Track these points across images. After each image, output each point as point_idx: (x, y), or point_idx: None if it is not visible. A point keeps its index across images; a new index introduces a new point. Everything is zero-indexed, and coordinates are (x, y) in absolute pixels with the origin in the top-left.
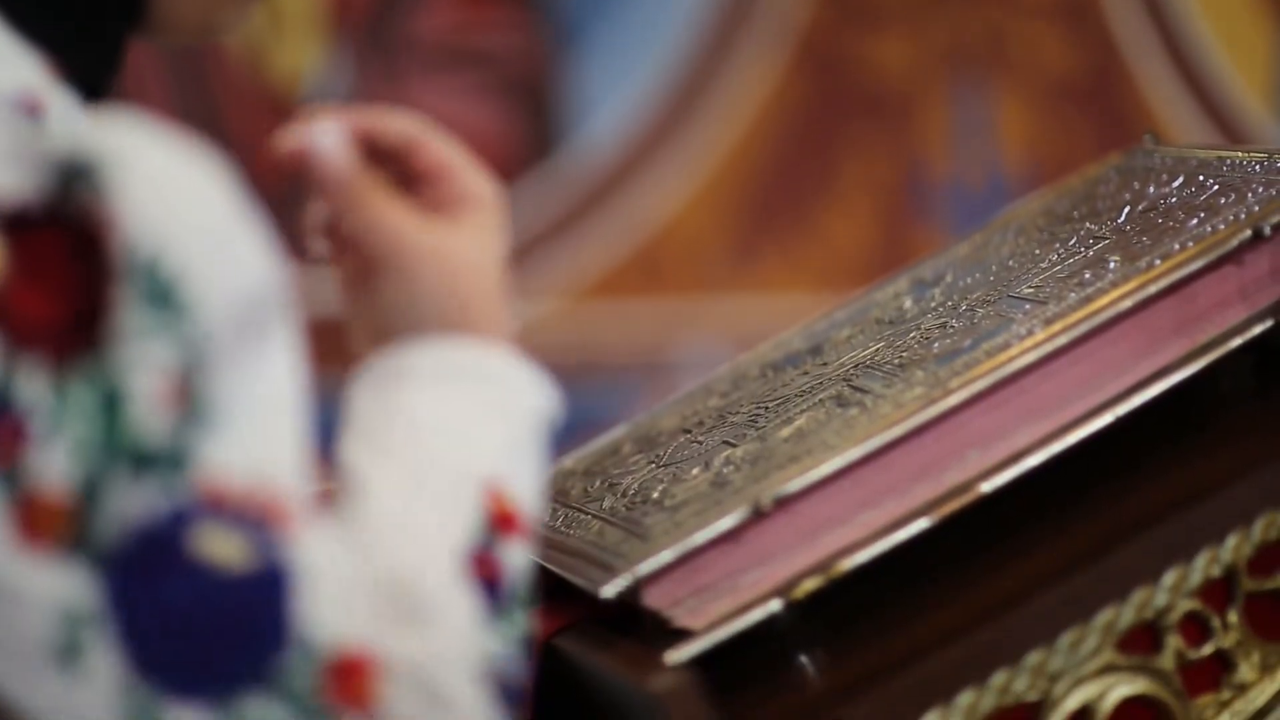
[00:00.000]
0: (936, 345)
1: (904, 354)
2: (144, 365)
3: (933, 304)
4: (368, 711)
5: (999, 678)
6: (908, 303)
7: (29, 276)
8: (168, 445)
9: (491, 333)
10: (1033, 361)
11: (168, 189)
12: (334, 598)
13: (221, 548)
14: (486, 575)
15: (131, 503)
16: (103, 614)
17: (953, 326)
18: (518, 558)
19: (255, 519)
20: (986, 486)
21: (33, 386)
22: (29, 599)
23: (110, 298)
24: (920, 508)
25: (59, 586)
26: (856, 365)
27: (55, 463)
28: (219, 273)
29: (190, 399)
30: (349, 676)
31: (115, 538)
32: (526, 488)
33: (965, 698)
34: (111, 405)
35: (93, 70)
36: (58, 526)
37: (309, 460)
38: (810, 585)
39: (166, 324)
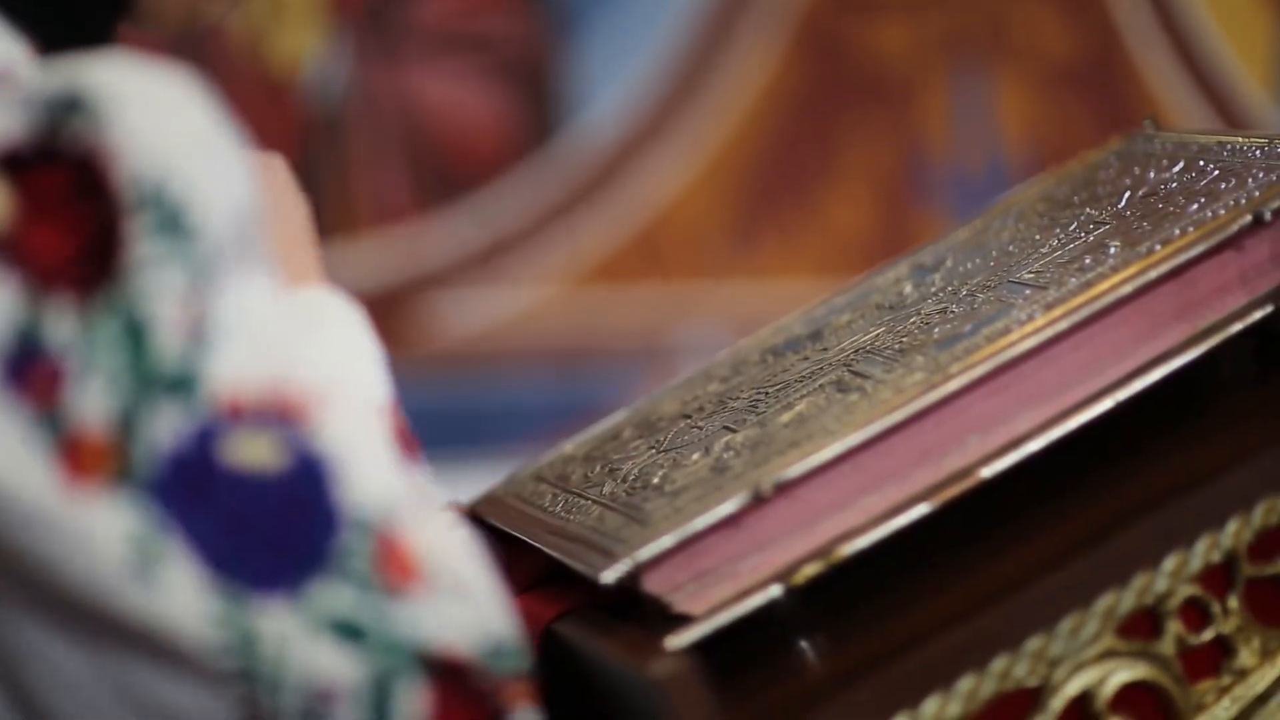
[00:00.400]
0: (937, 330)
1: (904, 339)
2: (162, 292)
3: (933, 289)
4: (419, 585)
5: (999, 663)
6: (908, 288)
7: (37, 215)
8: (188, 369)
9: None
10: (1033, 347)
11: (162, 114)
12: (371, 474)
13: (253, 451)
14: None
15: (162, 429)
16: (165, 531)
17: (953, 312)
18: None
19: (278, 417)
20: (987, 471)
21: (62, 325)
22: (91, 536)
23: (122, 228)
24: (920, 493)
25: (116, 519)
26: (857, 350)
27: (93, 399)
28: (219, 191)
29: (201, 319)
30: (396, 553)
31: (156, 466)
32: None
33: (965, 683)
34: (136, 335)
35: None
36: (104, 463)
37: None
38: (810, 570)
39: (178, 249)
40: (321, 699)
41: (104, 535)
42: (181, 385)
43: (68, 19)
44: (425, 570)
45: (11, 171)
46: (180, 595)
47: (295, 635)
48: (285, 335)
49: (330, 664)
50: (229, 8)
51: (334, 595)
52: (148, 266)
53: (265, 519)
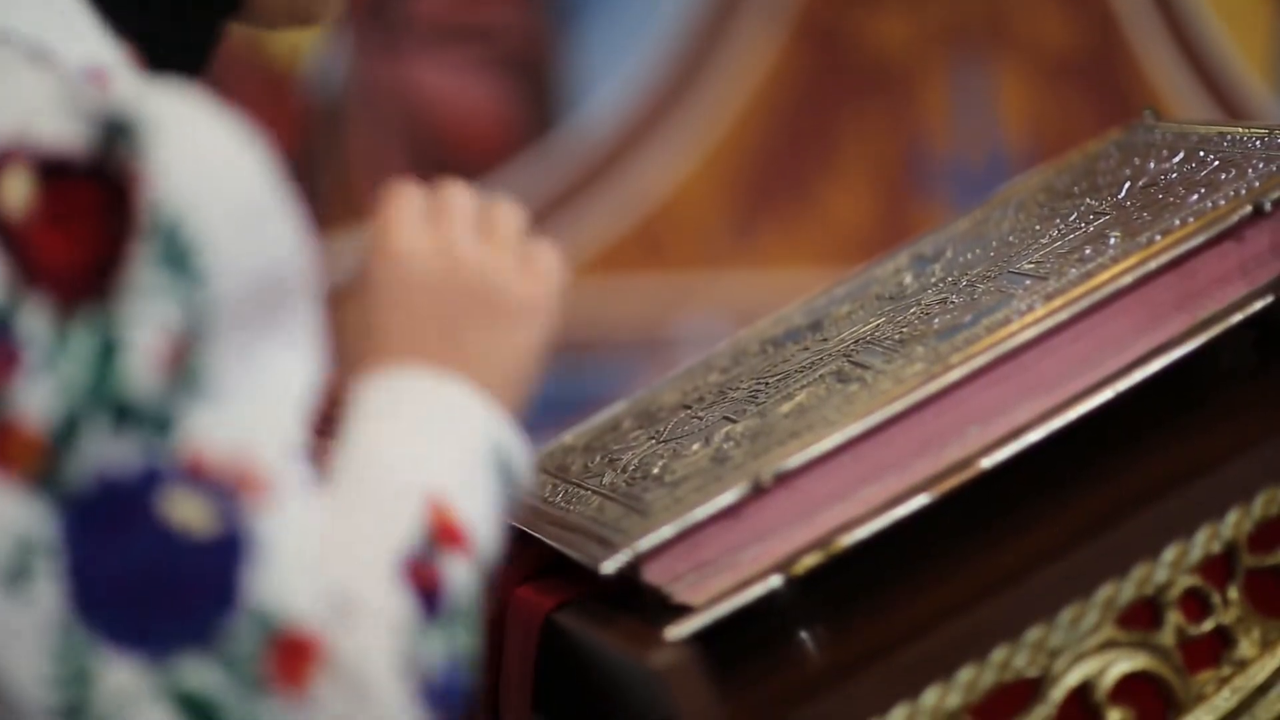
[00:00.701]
0: (937, 321)
1: (904, 329)
2: (146, 322)
3: (933, 280)
4: (300, 691)
5: (999, 653)
6: (908, 278)
7: (55, 220)
8: (155, 406)
9: (453, 363)
10: (1033, 337)
11: (204, 159)
12: (293, 574)
13: (187, 512)
14: (423, 583)
15: (107, 452)
16: (57, 549)
17: (953, 302)
18: (460, 573)
19: (228, 488)
20: (987, 462)
21: (35, 321)
22: None
23: (127, 252)
24: (920, 483)
25: (17, 515)
26: (857, 341)
27: (39, 398)
28: (240, 249)
29: (187, 366)
30: (291, 654)
31: (83, 483)
32: (475, 510)
33: (965, 674)
34: (107, 354)
35: (184, 57)
36: (28, 458)
37: (300, 447)
38: (810, 561)
39: (176, 287)
40: None
41: None
42: (149, 421)
43: (176, 16)
44: (323, 680)
45: (48, 174)
46: (34, 619)
47: (137, 697)
48: (276, 409)
49: None
50: (335, 7)
51: (201, 673)
52: (141, 293)
53: (164, 578)
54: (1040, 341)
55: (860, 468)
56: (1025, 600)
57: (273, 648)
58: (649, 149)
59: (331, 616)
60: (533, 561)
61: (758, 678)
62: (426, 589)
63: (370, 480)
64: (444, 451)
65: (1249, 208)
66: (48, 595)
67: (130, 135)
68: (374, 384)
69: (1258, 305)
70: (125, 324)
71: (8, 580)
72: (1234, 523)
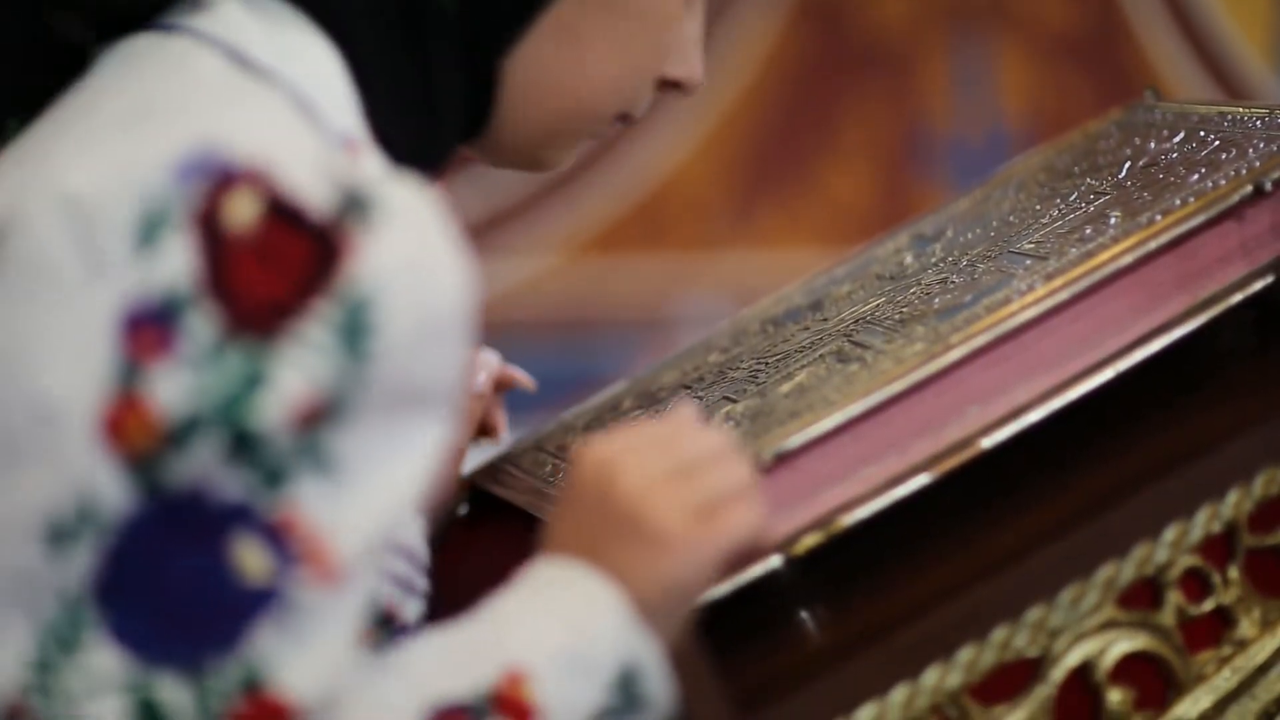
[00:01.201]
0: (937, 301)
1: (904, 309)
2: (300, 373)
3: (933, 259)
4: None
5: (999, 634)
6: (908, 258)
7: (264, 253)
8: (273, 453)
9: (622, 578)
10: (1033, 317)
11: (416, 260)
12: (308, 655)
13: (250, 559)
14: None
15: (211, 471)
16: (114, 529)
17: (953, 282)
18: None
19: (296, 556)
20: (987, 442)
21: (205, 324)
22: (70, 472)
23: (311, 306)
24: (921, 463)
25: (99, 481)
26: (857, 321)
27: (175, 390)
28: (409, 353)
29: (316, 432)
30: (261, 714)
31: (176, 485)
32: (561, 701)
33: (965, 654)
34: (252, 384)
35: (420, 164)
36: (140, 437)
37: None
38: (810, 541)
39: (340, 356)
40: None
41: (74, 480)
42: (262, 464)
43: (423, 132)
44: None
45: (277, 213)
46: (51, 578)
47: (106, 686)
48: (377, 510)
49: (90, 716)
50: (568, 158)
51: (174, 691)
52: (307, 346)
53: (193, 601)
54: (1040, 321)
55: (860, 447)
56: (1025, 580)
57: (248, 701)
58: (650, 129)
59: (320, 711)
60: (532, 541)
61: (758, 658)
62: None
63: (459, 630)
64: (553, 634)
65: (1249, 187)
66: (80, 563)
67: (362, 211)
68: (534, 569)
69: (1258, 285)
70: (280, 365)
71: (54, 536)
72: (1234, 502)
